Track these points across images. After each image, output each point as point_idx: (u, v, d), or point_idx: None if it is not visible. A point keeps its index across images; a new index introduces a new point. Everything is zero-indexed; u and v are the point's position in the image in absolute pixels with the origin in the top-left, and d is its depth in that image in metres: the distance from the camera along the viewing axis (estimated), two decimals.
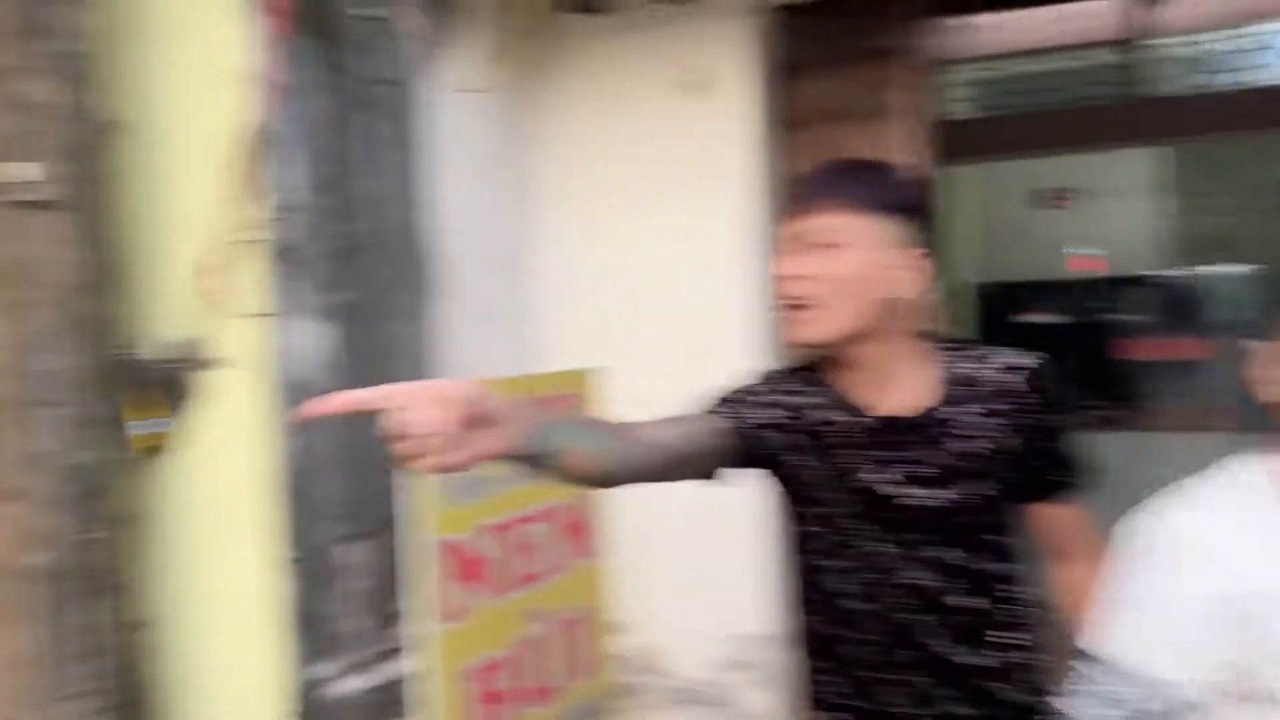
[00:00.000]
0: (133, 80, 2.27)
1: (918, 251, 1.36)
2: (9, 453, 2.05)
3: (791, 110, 3.17)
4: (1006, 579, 1.42)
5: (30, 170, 2.01)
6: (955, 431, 1.36)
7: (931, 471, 1.36)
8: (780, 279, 1.38)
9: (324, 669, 2.34)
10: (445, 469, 1.06)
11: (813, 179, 1.40)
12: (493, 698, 2.23)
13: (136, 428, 2.23)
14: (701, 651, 3.08)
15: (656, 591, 3.12)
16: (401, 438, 1.01)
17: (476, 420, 1.07)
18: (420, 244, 2.79)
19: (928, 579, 1.38)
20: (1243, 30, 5.25)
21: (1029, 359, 1.39)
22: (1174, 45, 5.32)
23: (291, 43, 2.23)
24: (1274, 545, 1.05)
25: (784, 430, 1.44)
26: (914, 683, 1.37)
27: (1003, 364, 1.39)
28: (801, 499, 1.46)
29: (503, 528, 2.29)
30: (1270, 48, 5.22)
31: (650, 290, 3.13)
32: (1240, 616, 1.04)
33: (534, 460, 1.19)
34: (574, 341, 3.20)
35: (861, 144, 3.10)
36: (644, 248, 3.13)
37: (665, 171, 3.10)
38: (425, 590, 2.03)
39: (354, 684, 2.35)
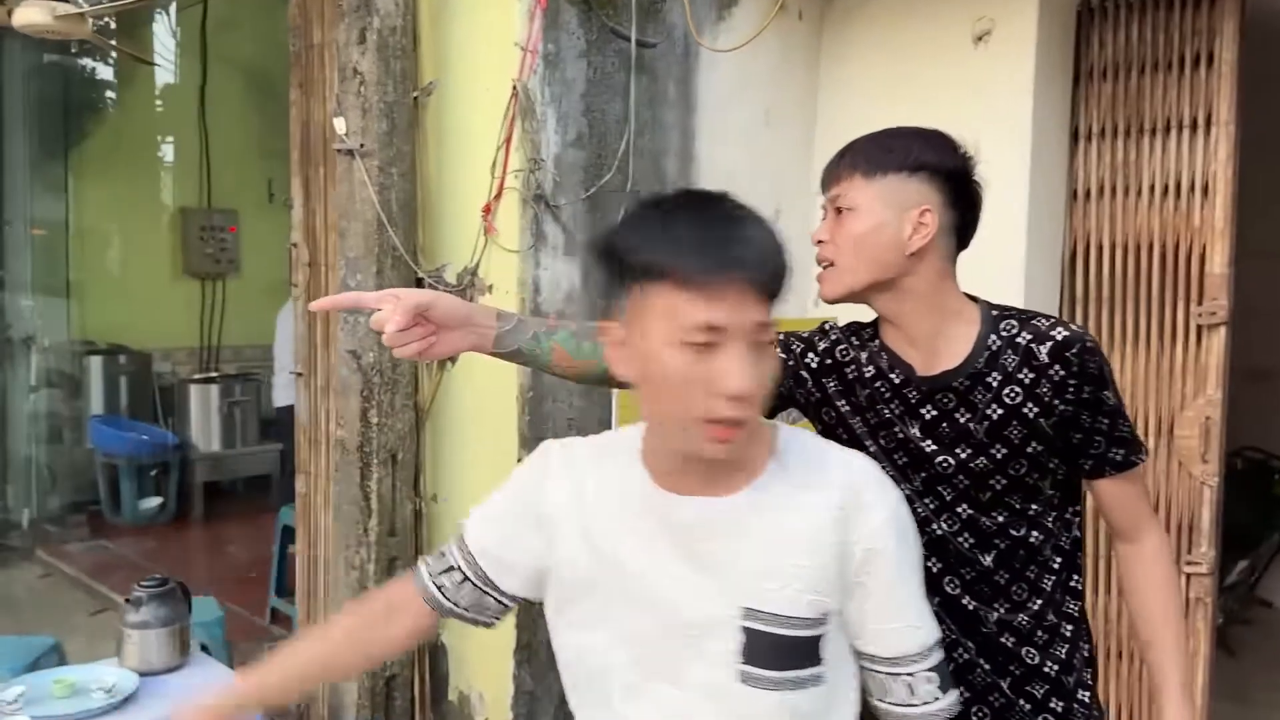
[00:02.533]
0: (435, 51, 2.73)
1: (924, 209, 1.38)
2: (331, 347, 2.62)
3: (1086, 58, 2.96)
4: (1040, 547, 1.40)
5: (352, 124, 2.52)
6: (998, 395, 1.36)
7: (971, 432, 1.37)
8: (814, 244, 1.49)
9: None
10: (417, 357, 1.35)
11: (841, 151, 1.47)
12: None
13: None
14: None
15: None
16: (379, 331, 1.29)
17: (435, 321, 1.34)
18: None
19: (961, 538, 1.40)
20: None
21: (1077, 332, 1.35)
22: None
23: (557, 12, 2.55)
24: None
25: (833, 379, 1.52)
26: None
27: (1053, 334, 1.35)
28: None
29: None
30: None
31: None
32: None
33: (520, 357, 1.47)
34: None
35: (1165, 96, 2.84)
36: None
37: (946, 122, 3.04)
38: None
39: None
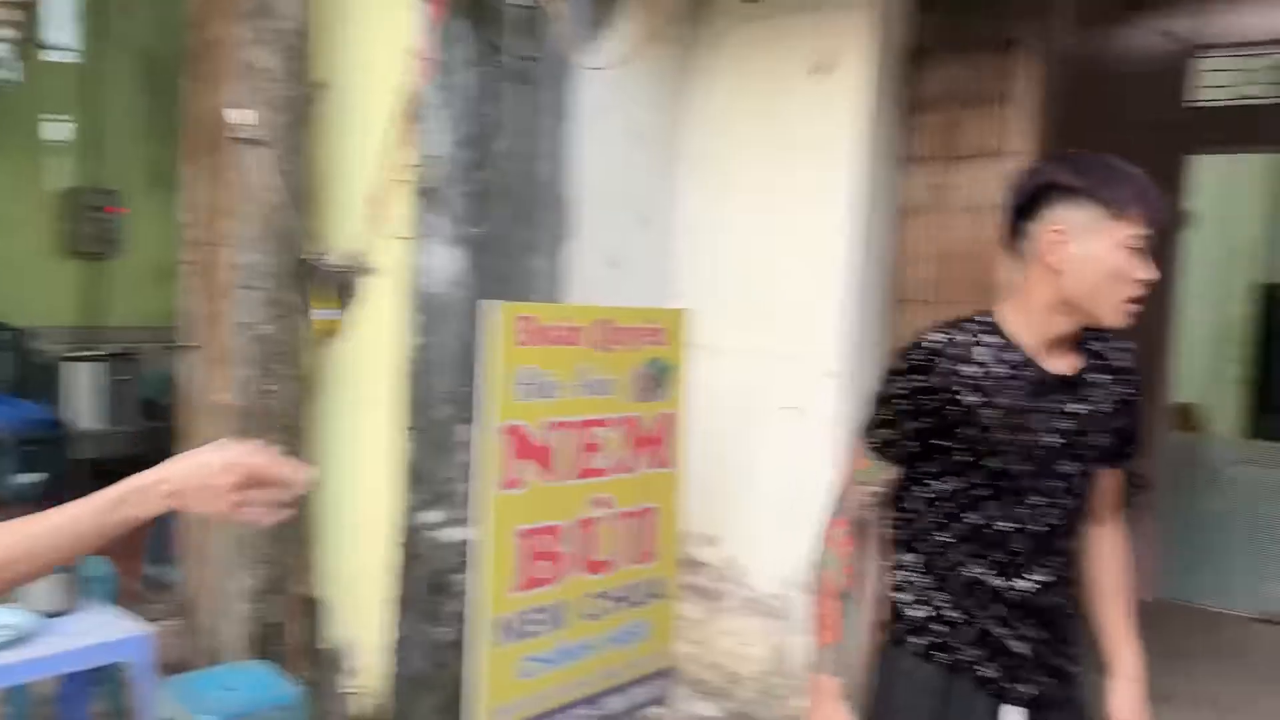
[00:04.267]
0: (331, 51, 2.99)
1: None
2: (222, 321, 2.86)
3: (913, 92, 3.41)
4: (1077, 531, 1.72)
5: (249, 116, 2.77)
6: (1093, 394, 1.61)
7: (1074, 424, 1.61)
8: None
9: (431, 516, 3.02)
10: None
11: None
12: (547, 557, 2.80)
13: (316, 315, 2.98)
14: (775, 568, 3.48)
15: (744, 511, 3.55)
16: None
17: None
18: (559, 195, 3.36)
19: (1053, 519, 1.62)
20: None
21: (1129, 343, 1.67)
22: None
23: (448, 26, 2.85)
24: None
25: (951, 403, 1.62)
26: (1010, 608, 1.62)
27: (1117, 344, 1.64)
28: (973, 450, 1.60)
29: (569, 425, 2.83)
30: None
31: (765, 252, 3.52)
32: None
33: None
34: (693, 287, 3.66)
35: (982, 130, 3.29)
36: (764, 213, 3.51)
37: (792, 144, 3.45)
38: (487, 462, 2.62)
39: (453, 533, 3.00)
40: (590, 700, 3.01)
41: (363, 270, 2.98)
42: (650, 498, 3.10)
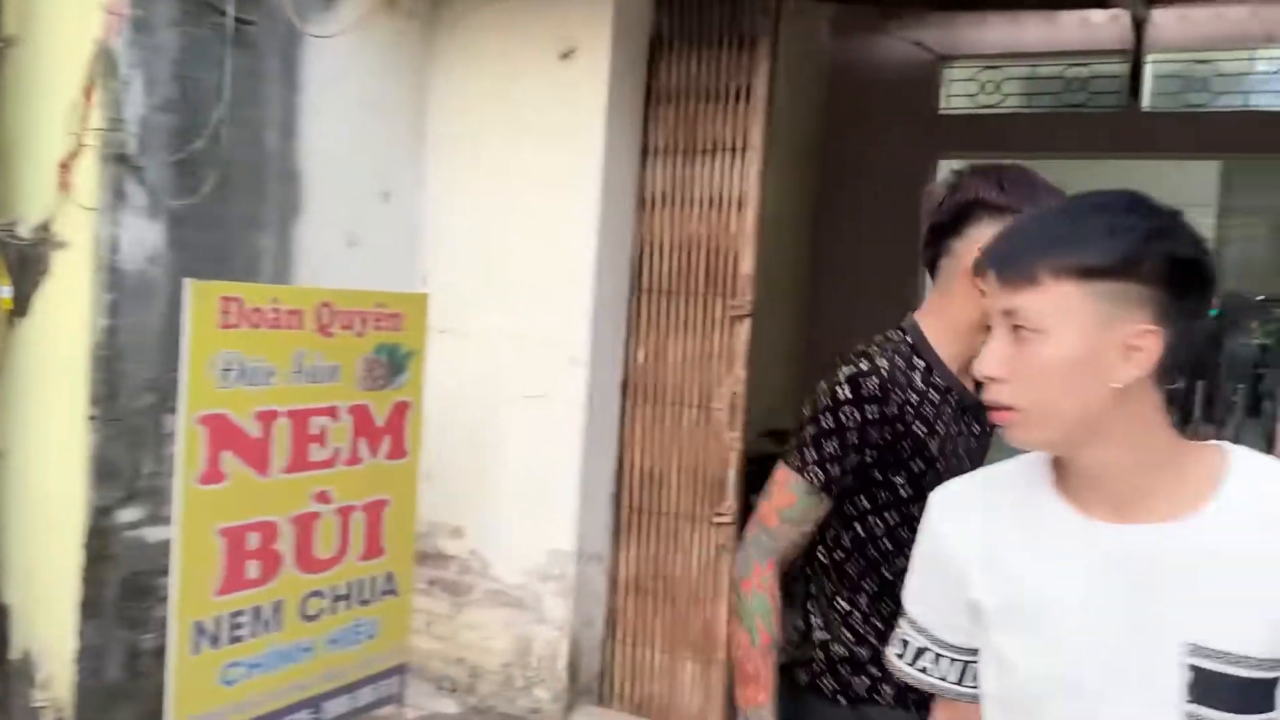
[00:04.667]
0: (19, 5, 2.70)
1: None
2: None
3: (655, 84, 3.42)
4: None
5: None
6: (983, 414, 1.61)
7: (978, 446, 1.61)
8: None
9: (130, 514, 2.79)
10: None
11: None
12: (257, 556, 2.63)
13: None
14: (521, 560, 3.43)
15: (489, 501, 3.48)
16: None
17: None
18: (290, 168, 3.18)
19: None
20: (1255, 54, 5.18)
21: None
22: (1178, 62, 5.29)
23: None
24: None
25: (899, 429, 1.53)
26: None
27: None
28: (918, 483, 1.52)
29: (286, 415, 2.66)
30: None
31: (510, 236, 3.45)
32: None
33: None
34: (438, 269, 3.55)
35: (721, 125, 3.34)
36: (509, 196, 3.45)
37: (536, 129, 3.40)
38: (184, 455, 2.42)
39: (158, 532, 2.78)
40: (310, 703, 2.86)
41: (51, 243, 2.71)
42: (382, 490, 2.97)
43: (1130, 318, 0.97)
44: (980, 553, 1.12)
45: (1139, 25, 5.09)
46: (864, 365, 1.51)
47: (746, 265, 3.29)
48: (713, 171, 3.36)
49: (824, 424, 1.51)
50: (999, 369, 1.03)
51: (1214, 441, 1.09)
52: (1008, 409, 1.03)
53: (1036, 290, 0.99)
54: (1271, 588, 0.99)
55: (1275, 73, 5.11)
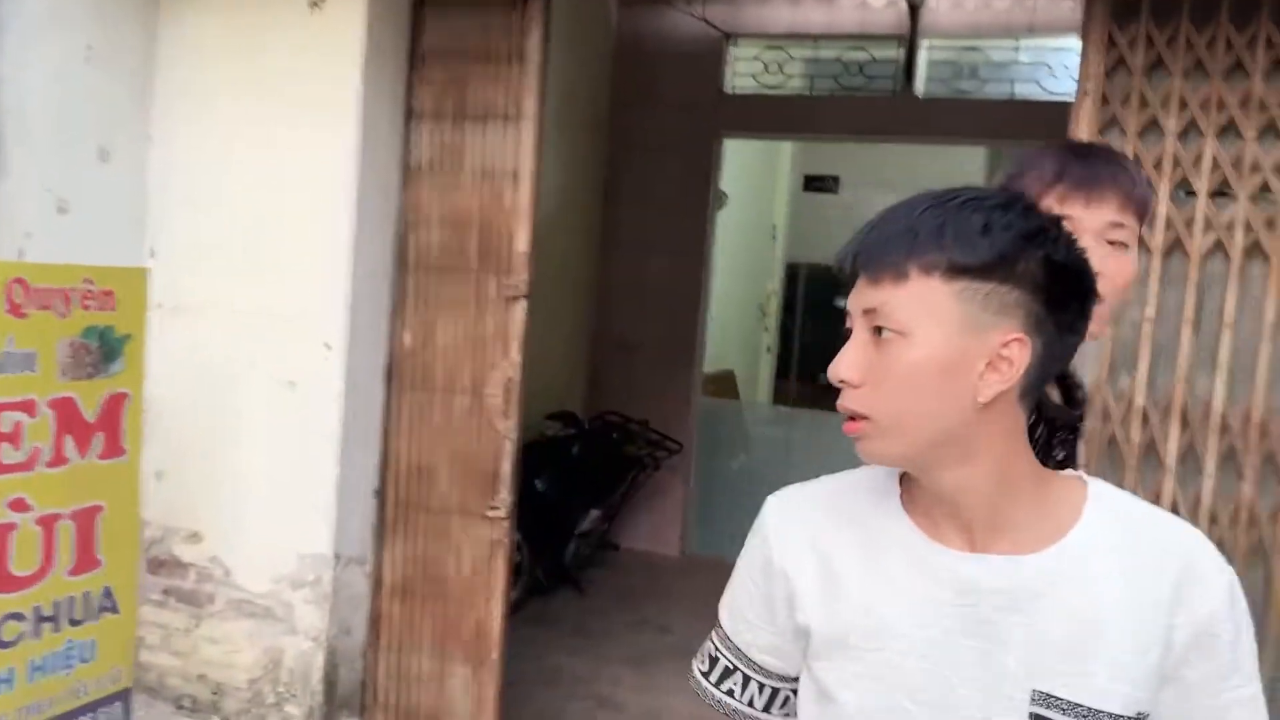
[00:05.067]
0: None
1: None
2: None
3: (419, 42, 3.14)
4: None
5: None
6: None
7: None
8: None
9: None
10: None
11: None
12: None
13: None
14: (268, 566, 3.10)
15: (229, 502, 3.12)
16: None
17: None
18: None
19: None
20: (1020, 43, 5.38)
21: None
22: (950, 49, 5.44)
23: None
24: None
25: None
26: None
27: None
28: None
29: None
30: (1043, 64, 5.35)
31: (255, 204, 3.09)
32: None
33: None
34: (168, 240, 3.15)
35: (493, 90, 3.10)
36: (254, 160, 3.08)
37: (283, 84, 3.04)
38: None
39: None
40: None
41: None
42: (95, 495, 2.58)
43: (999, 325, 0.89)
44: (815, 571, 1.02)
45: (914, 11, 5.21)
46: None
47: (522, 242, 3.07)
48: (485, 140, 3.11)
49: None
50: (853, 373, 0.93)
51: (1071, 472, 1.02)
52: (862, 418, 0.93)
53: (901, 287, 0.90)
54: (1129, 637, 0.91)
55: (1037, 63, 5.35)
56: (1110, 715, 0.91)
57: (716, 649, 1.12)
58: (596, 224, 5.86)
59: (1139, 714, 0.92)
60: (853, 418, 0.94)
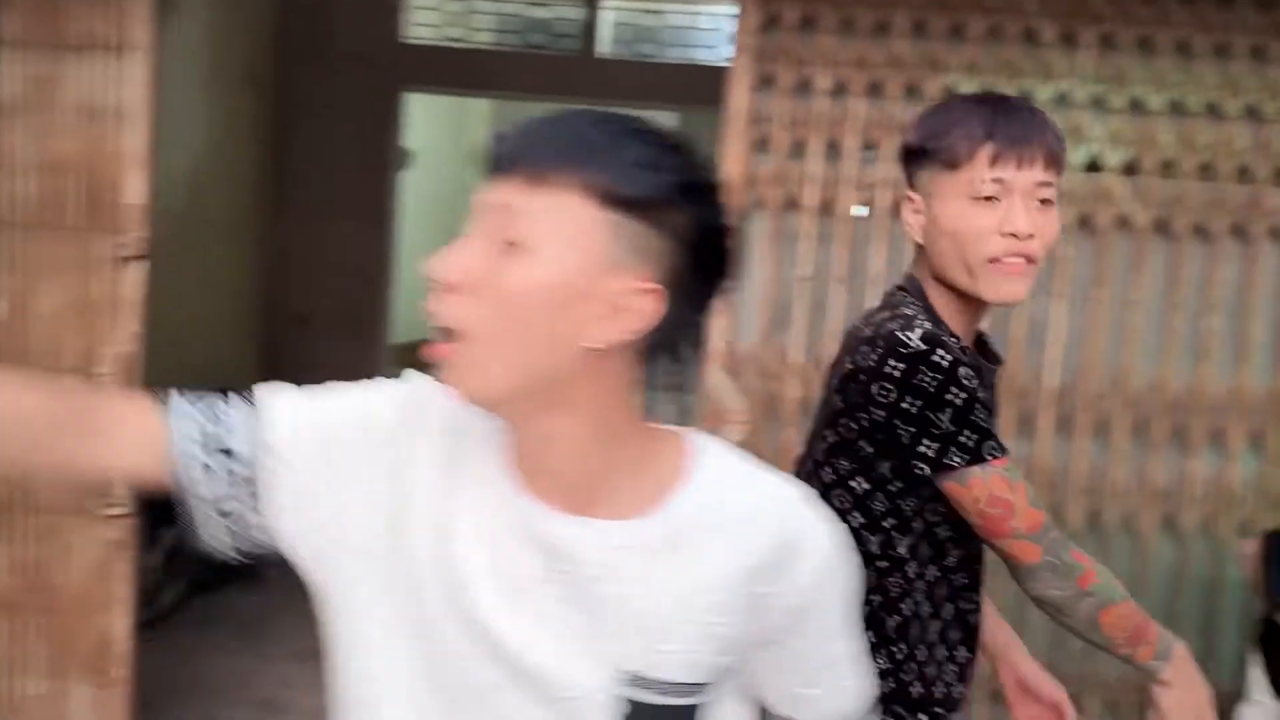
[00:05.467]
0: None
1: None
2: None
3: None
4: None
5: None
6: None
7: None
8: None
9: None
10: None
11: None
12: None
13: None
14: None
15: None
16: None
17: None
18: None
19: None
20: (698, 9, 5.42)
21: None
22: (632, 11, 5.40)
23: None
24: None
25: None
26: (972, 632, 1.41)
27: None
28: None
29: None
30: (721, 30, 5.42)
31: None
32: None
33: None
34: None
35: (94, 16, 2.65)
36: None
37: None
38: None
39: None
40: None
41: None
42: None
43: (636, 269, 0.79)
44: (410, 488, 0.88)
45: None
46: (923, 323, 1.27)
47: (134, 194, 2.65)
48: (86, 74, 2.66)
49: (955, 399, 1.23)
50: (457, 273, 0.79)
51: (679, 429, 0.93)
52: (455, 341, 0.79)
53: (546, 195, 0.78)
54: (720, 608, 0.86)
55: (714, 29, 5.43)
56: (697, 686, 0.88)
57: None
58: (268, 186, 5.36)
59: (717, 676, 0.89)
60: (445, 337, 0.80)
